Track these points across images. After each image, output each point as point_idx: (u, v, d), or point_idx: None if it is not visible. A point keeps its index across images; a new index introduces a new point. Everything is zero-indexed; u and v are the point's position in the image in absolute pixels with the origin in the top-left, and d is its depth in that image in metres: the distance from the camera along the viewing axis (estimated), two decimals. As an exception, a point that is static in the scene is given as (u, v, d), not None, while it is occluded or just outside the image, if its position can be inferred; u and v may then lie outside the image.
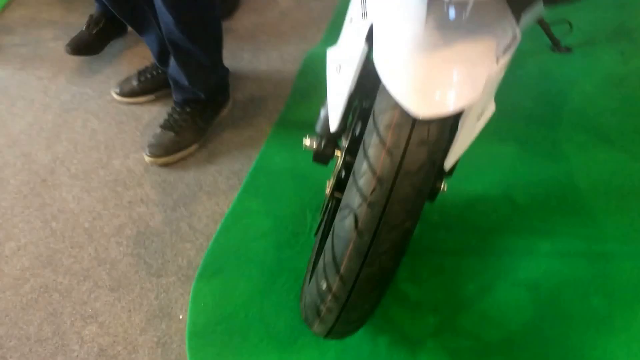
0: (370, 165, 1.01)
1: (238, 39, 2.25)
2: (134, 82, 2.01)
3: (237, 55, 2.18)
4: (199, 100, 1.84)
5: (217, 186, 1.75)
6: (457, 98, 0.97)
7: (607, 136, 1.81)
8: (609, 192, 1.66)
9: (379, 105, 1.04)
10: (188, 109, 1.84)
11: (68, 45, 2.11)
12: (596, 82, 1.99)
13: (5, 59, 2.22)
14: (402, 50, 0.99)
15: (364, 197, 1.03)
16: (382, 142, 1.00)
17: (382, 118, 1.02)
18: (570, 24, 2.08)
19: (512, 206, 1.64)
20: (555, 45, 2.10)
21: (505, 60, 1.09)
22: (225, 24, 2.30)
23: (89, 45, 2.14)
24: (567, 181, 1.69)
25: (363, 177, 1.02)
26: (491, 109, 1.17)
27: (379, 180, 1.00)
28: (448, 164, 1.17)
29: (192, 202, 1.71)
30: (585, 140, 1.80)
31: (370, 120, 1.06)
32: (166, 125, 1.84)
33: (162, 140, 1.81)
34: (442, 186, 1.26)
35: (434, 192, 1.27)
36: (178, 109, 1.85)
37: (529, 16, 1.22)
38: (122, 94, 2.02)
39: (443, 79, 0.97)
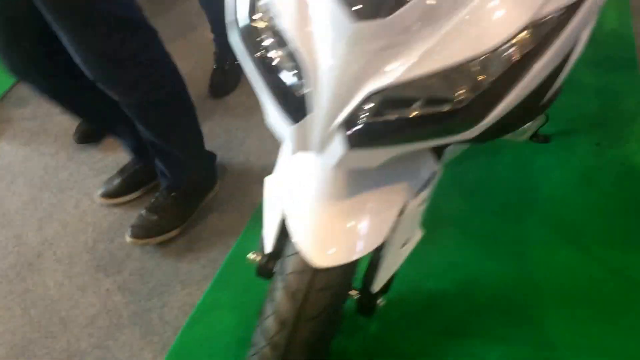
0: (274, 308, 1.05)
1: (233, 116, 2.31)
2: (117, 181, 2.04)
3: (230, 133, 2.24)
4: (184, 187, 1.90)
5: (193, 275, 1.79)
6: (357, 247, 1.00)
7: (572, 235, 1.77)
8: (565, 296, 1.62)
9: (286, 249, 1.07)
10: (173, 194, 1.90)
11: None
12: (569, 175, 1.96)
13: (13, 132, 2.34)
14: (306, 199, 1.03)
15: (267, 339, 1.06)
16: (286, 286, 1.03)
17: (287, 262, 1.05)
18: (547, 116, 2.05)
19: (470, 308, 1.63)
20: (533, 134, 2.07)
21: (425, 193, 1.11)
22: (223, 102, 2.37)
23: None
24: (526, 282, 1.67)
25: (267, 318, 1.06)
26: (417, 235, 1.20)
27: (281, 323, 1.03)
28: (376, 287, 1.19)
29: (166, 291, 1.75)
30: (551, 238, 1.77)
31: (279, 263, 1.09)
32: (151, 208, 1.90)
33: (145, 223, 1.87)
34: (379, 302, 1.27)
35: (370, 309, 1.29)
36: (164, 193, 1.91)
37: (456, 147, 1.22)
38: (107, 195, 2.03)
39: (342, 229, 1.01)
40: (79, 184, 2.11)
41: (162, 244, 1.87)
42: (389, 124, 0.84)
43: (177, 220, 1.90)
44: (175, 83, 1.69)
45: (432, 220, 1.81)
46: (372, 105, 0.82)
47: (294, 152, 0.92)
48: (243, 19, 0.92)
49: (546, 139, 2.09)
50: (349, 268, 1.04)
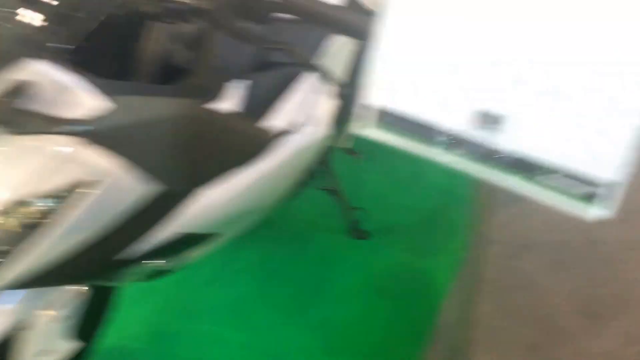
0: None
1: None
2: None
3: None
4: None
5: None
6: None
7: (336, 346, 1.75)
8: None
9: None
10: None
11: None
12: (367, 280, 1.93)
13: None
14: None
15: None
16: None
17: None
18: (366, 212, 2.03)
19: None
20: (352, 228, 2.06)
21: (54, 312, 1.14)
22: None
23: None
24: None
25: None
26: (64, 347, 1.22)
27: None
28: None
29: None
30: (314, 344, 1.75)
31: None
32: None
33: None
34: None
35: None
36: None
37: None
38: None
39: None
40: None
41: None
42: None
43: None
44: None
45: (209, 301, 1.85)
46: None
47: None
48: None
49: (363, 236, 2.05)
50: None
